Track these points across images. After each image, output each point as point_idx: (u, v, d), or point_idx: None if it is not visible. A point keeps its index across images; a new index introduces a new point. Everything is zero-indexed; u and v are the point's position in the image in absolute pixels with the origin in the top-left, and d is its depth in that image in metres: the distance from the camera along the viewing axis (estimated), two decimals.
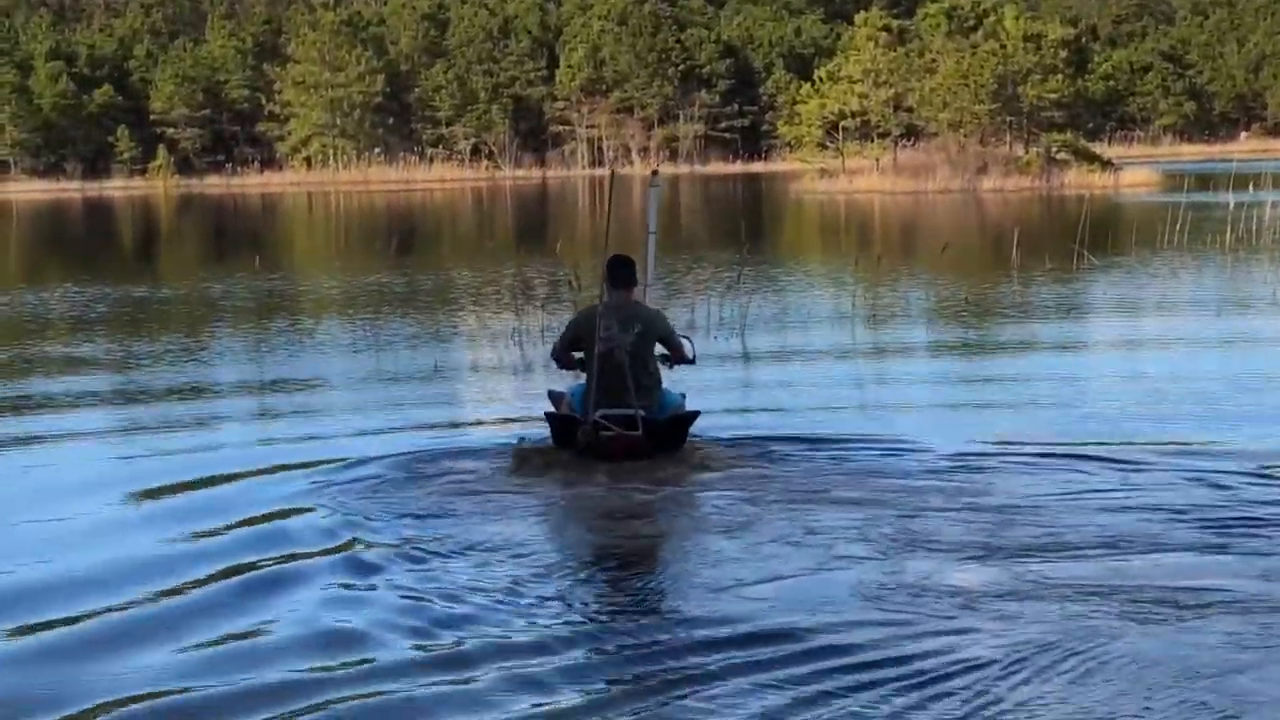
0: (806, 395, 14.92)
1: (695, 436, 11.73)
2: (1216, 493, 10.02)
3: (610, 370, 11.09)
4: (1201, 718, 6.30)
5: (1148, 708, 6.39)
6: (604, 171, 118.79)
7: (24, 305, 26.26)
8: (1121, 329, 20.30)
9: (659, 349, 11.62)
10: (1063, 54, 70.19)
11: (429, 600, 8.11)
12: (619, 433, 11.00)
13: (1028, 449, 11.57)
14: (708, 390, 14.12)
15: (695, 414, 11.54)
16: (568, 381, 12.22)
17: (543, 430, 11.75)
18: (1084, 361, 17.53)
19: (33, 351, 19.94)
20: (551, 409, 11.65)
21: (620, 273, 11.45)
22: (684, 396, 11.91)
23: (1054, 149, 69.31)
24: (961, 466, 11.08)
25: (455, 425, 13.61)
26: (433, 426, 13.28)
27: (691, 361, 11.76)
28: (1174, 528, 9.22)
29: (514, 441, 11.91)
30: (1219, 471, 10.53)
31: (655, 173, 13.72)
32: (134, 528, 9.91)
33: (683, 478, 10.83)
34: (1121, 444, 11.67)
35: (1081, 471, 10.85)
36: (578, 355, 11.62)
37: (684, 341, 11.78)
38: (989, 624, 7.53)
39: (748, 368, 17.36)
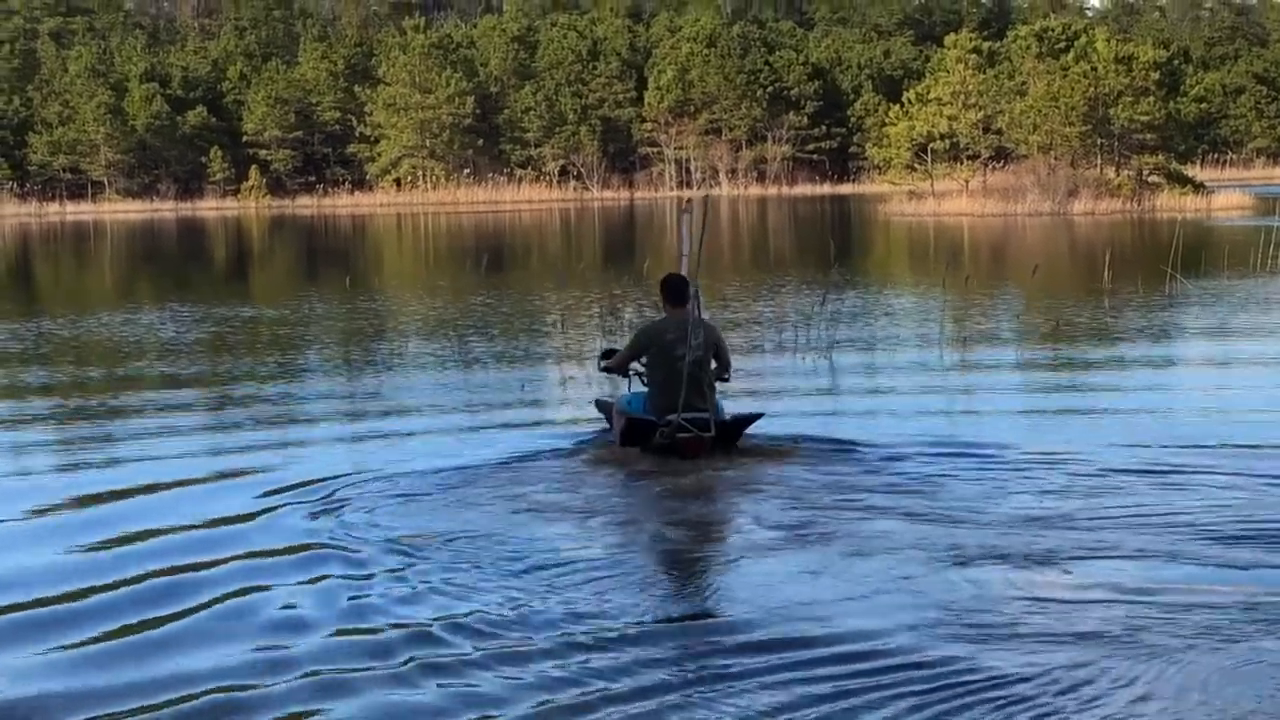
0: (886, 409, 15.01)
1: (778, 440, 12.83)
2: None
3: (689, 378, 12.18)
4: None
5: None
6: (692, 193, 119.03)
7: (133, 325, 26.64)
8: (1211, 352, 20.15)
9: None
10: (1154, 76, 69.61)
11: (484, 596, 8.61)
12: (696, 434, 12.13)
13: (1103, 466, 11.69)
14: (794, 401, 14.32)
15: (758, 415, 12.86)
16: (606, 390, 13.90)
17: (589, 432, 13.32)
18: (1171, 383, 17.42)
19: (134, 369, 20.25)
20: (600, 414, 13.32)
21: (682, 290, 12.67)
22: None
23: (1145, 172, 68.76)
24: (1033, 480, 11.35)
25: (536, 425, 14.50)
26: (517, 428, 14.03)
27: (728, 376, 12.91)
28: (1239, 547, 9.31)
29: (570, 444, 13.06)
30: None
31: (689, 201, 14.87)
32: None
33: (752, 481, 11.53)
34: (1194, 465, 11.70)
35: (1157, 488, 10.97)
36: (636, 367, 12.87)
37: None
38: (1040, 634, 7.64)
39: (833, 384, 17.39)
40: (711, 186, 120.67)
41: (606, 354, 13.48)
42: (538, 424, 14.64)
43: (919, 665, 7.27)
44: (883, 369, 18.79)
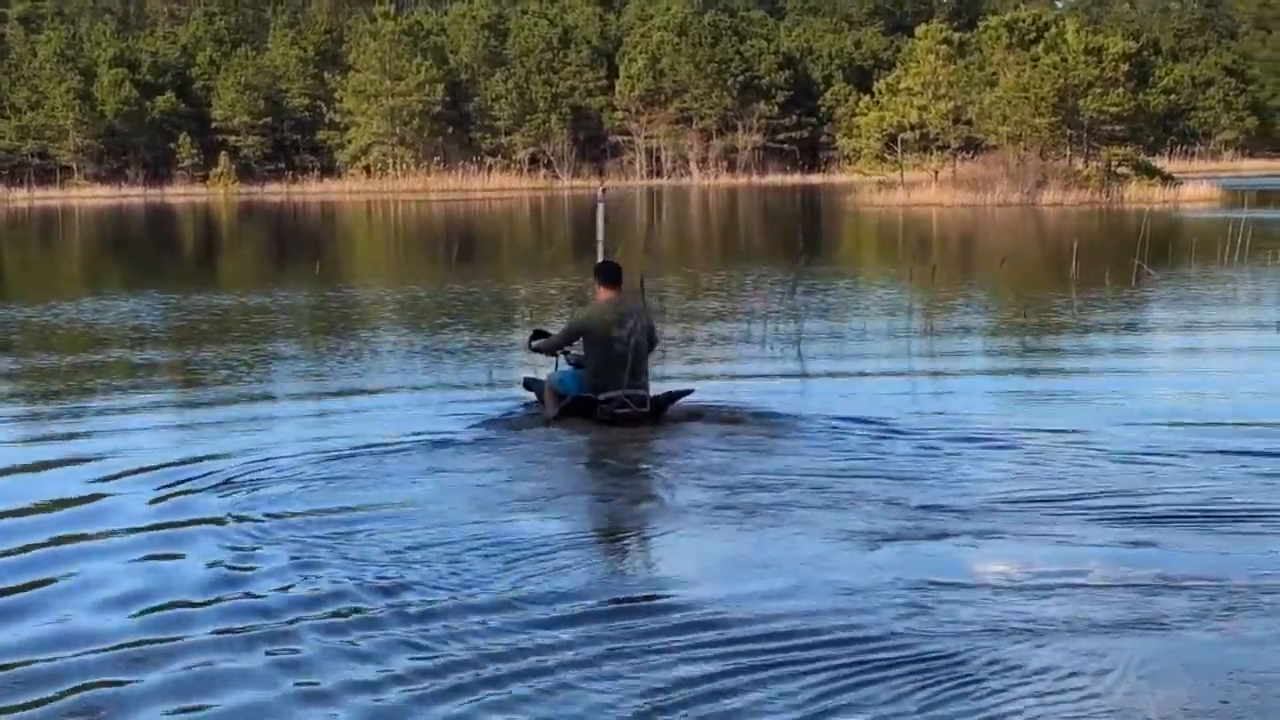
0: (847, 390, 15.15)
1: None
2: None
3: (630, 356, 13.02)
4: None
5: (1202, 708, 6.43)
6: (663, 182, 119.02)
7: (94, 311, 26.53)
8: (1177, 343, 20.23)
9: None
10: (1124, 68, 69.76)
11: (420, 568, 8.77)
12: (634, 410, 12.95)
13: (1073, 451, 11.80)
14: (755, 383, 14.39)
15: (689, 391, 13.60)
16: (537, 370, 14.61)
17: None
18: (1137, 369, 17.47)
19: (109, 357, 20.16)
20: (528, 392, 14.04)
21: (618, 275, 13.51)
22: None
23: (1114, 163, 68.95)
24: (983, 461, 11.56)
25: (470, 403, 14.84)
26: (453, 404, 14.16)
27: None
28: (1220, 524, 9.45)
29: (496, 416, 13.73)
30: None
31: (604, 190, 16.09)
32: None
33: (685, 454, 12.02)
34: (1162, 449, 11.77)
35: (1116, 469, 11.15)
36: (567, 349, 13.60)
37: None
38: (1019, 616, 7.67)
39: (802, 371, 17.42)
40: (682, 176, 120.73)
41: (537, 334, 14.09)
42: (471, 401, 14.92)
43: (843, 643, 7.34)
44: (849, 355, 18.84)
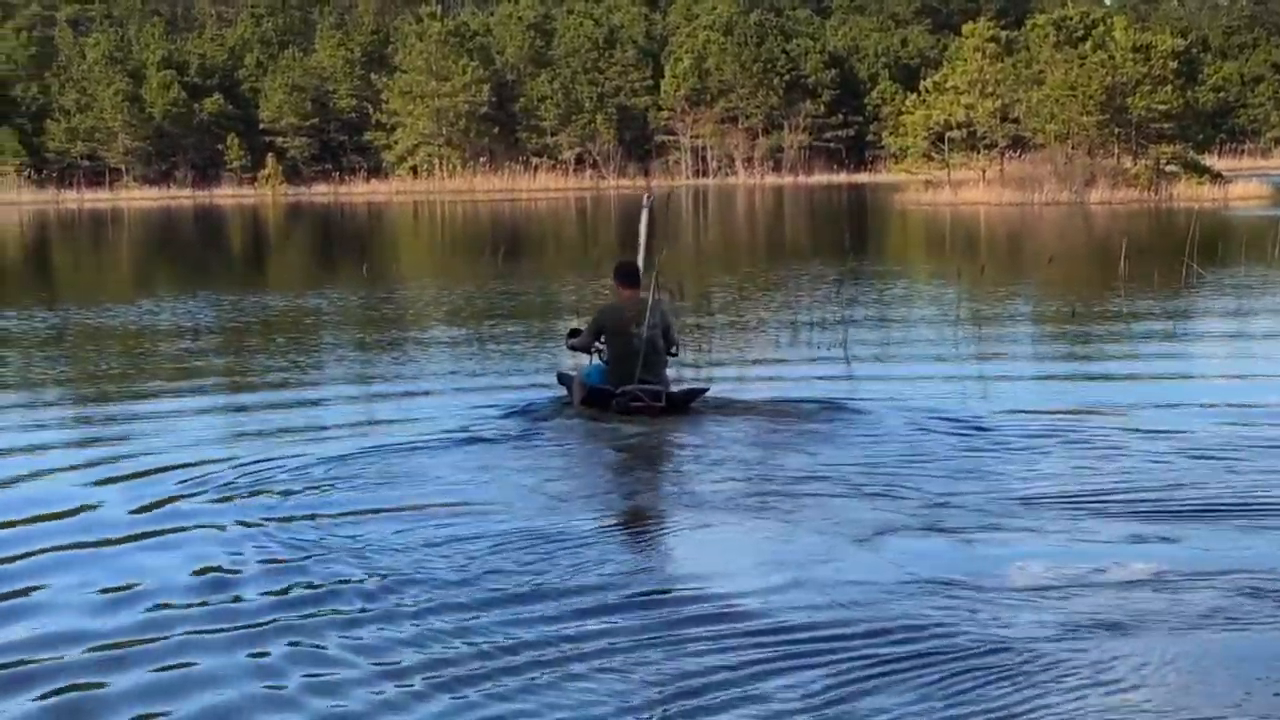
0: (893, 390, 15.00)
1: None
2: None
3: (646, 353, 13.46)
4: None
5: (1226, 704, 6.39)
6: (709, 181, 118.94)
7: (147, 313, 26.68)
8: (1226, 343, 20.09)
9: None
10: (1172, 65, 69.34)
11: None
12: (648, 403, 13.31)
13: (1120, 448, 11.76)
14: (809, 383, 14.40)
15: (705, 389, 14.03)
16: (568, 364, 15.05)
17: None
18: (1185, 372, 17.35)
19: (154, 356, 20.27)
20: (561, 386, 14.38)
21: (636, 276, 14.08)
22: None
23: (1163, 161, 68.54)
24: (1027, 456, 11.57)
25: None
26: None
27: (675, 351, 14.24)
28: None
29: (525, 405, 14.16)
30: None
31: (650, 193, 16.67)
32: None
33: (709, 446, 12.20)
34: (1202, 447, 11.68)
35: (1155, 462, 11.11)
36: (596, 345, 13.99)
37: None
38: (1035, 612, 7.62)
39: (847, 365, 17.38)
40: (727, 175, 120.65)
41: (573, 333, 14.65)
42: (510, 394, 15.23)
43: (870, 635, 7.32)
44: (895, 355, 18.75)
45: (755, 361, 18.12)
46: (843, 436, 12.38)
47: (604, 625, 7.58)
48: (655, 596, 8.11)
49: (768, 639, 7.31)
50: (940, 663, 6.92)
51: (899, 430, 12.52)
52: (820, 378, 16.39)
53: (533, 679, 6.85)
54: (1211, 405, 14.28)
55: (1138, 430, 12.49)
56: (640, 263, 14.53)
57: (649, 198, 15.71)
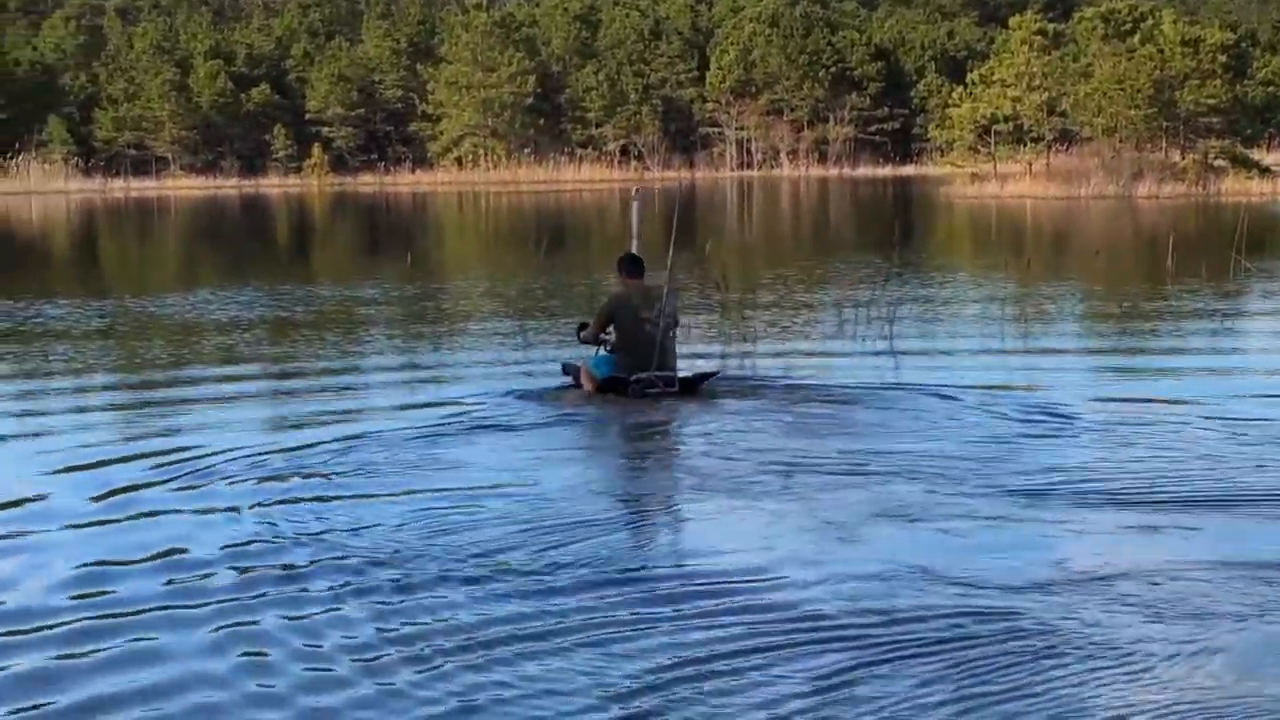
0: (938, 380, 14.97)
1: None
2: None
3: (660, 340, 13.83)
4: None
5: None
6: (754, 173, 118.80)
7: (202, 303, 26.82)
8: (1274, 337, 19.97)
9: None
10: (1221, 59, 68.97)
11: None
12: (663, 389, 13.76)
13: (1165, 439, 11.70)
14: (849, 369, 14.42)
15: (716, 372, 14.68)
16: (574, 355, 15.21)
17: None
18: (1231, 366, 17.25)
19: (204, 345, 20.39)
20: (565, 376, 14.65)
21: (640, 266, 14.45)
22: None
23: (1211, 155, 68.14)
24: (1055, 442, 11.60)
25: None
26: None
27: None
28: None
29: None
30: None
31: (637, 190, 17.34)
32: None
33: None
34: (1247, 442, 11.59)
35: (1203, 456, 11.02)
36: (603, 335, 14.34)
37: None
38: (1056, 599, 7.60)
39: (892, 352, 17.38)
40: (772, 167, 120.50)
41: (583, 325, 14.84)
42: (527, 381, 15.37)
43: (888, 619, 7.31)
44: (939, 347, 18.68)
45: (796, 353, 18.09)
46: (882, 423, 12.40)
47: (620, 602, 7.64)
48: (672, 574, 8.17)
49: (780, 621, 7.33)
50: (956, 649, 6.89)
51: (941, 419, 12.53)
52: (861, 365, 16.41)
53: (534, 657, 6.88)
54: (1270, 396, 14.23)
55: (1187, 421, 12.42)
56: (634, 250, 14.95)
57: (637, 192, 16.51)
